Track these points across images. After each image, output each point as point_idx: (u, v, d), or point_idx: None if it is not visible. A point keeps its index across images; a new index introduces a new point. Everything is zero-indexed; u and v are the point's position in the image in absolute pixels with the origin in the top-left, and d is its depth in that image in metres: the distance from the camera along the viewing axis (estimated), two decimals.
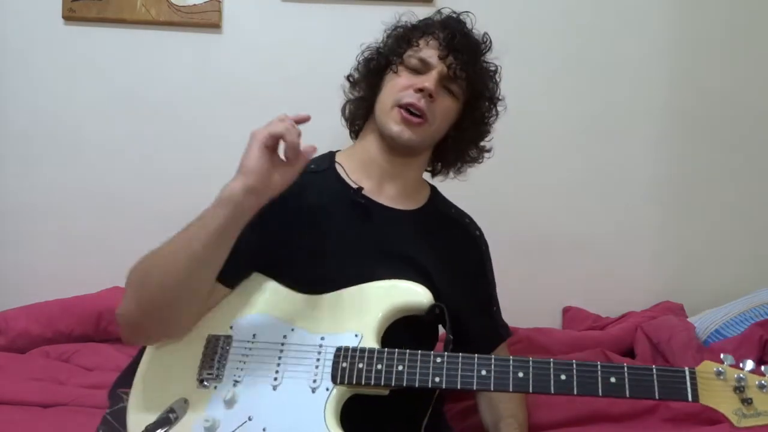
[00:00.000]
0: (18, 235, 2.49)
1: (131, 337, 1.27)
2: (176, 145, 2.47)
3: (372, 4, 2.37)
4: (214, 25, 2.44)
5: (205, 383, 1.18)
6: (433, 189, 1.57)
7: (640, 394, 1.10)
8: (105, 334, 2.08)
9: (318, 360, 1.18)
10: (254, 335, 1.23)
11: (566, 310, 2.44)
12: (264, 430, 1.14)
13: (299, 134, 1.17)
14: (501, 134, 1.60)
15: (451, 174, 1.61)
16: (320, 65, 2.37)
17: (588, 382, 1.10)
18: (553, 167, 2.45)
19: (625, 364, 1.11)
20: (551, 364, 1.12)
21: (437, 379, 1.13)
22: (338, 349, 1.18)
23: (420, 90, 1.37)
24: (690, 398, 1.08)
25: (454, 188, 1.60)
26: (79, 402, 1.65)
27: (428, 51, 1.43)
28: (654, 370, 1.10)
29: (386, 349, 1.17)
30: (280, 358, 1.20)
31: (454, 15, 1.51)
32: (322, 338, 1.20)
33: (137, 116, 2.47)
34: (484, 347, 1.49)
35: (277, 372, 1.18)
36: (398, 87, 1.41)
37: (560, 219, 2.45)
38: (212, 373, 1.19)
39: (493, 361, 1.13)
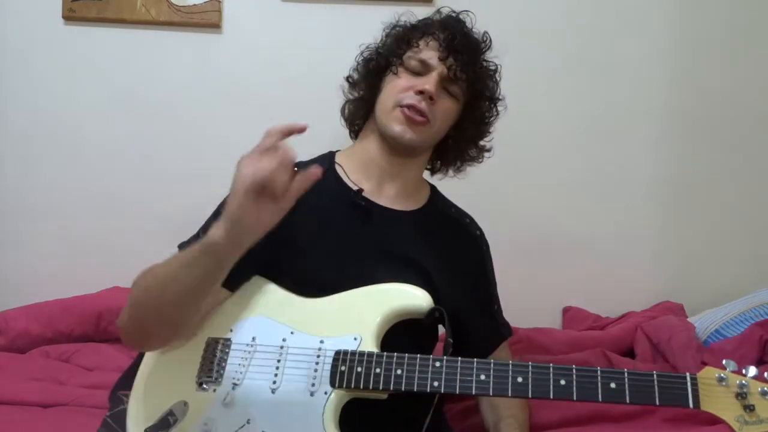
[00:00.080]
0: (18, 235, 2.49)
1: (130, 346, 1.30)
2: (176, 145, 2.47)
3: (372, 4, 2.37)
4: (214, 25, 2.44)
5: (204, 386, 1.18)
6: (433, 189, 1.56)
7: (640, 400, 1.08)
8: (105, 334, 2.08)
9: (317, 363, 1.18)
10: (253, 338, 1.22)
11: (566, 310, 2.44)
12: None
13: (291, 168, 1.07)
14: (501, 134, 1.60)
15: (451, 172, 1.60)
16: (320, 65, 2.37)
17: (588, 388, 1.09)
18: (553, 167, 2.45)
19: (625, 370, 1.10)
20: (551, 369, 1.11)
21: (436, 384, 1.13)
22: (337, 353, 1.18)
23: (420, 92, 1.37)
24: (691, 405, 1.06)
25: (454, 188, 1.60)
26: (79, 402, 1.65)
27: (428, 52, 1.42)
28: (655, 375, 1.09)
29: (385, 352, 1.17)
30: (279, 361, 1.19)
31: (454, 14, 1.50)
32: (321, 341, 1.20)
33: (137, 116, 2.47)
34: (485, 347, 1.49)
35: (276, 375, 1.18)
36: (398, 88, 1.40)
37: (560, 219, 2.45)
38: (211, 375, 1.19)
39: (492, 365, 1.13)
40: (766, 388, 1.06)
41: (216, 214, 1.36)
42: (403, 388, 1.13)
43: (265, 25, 2.46)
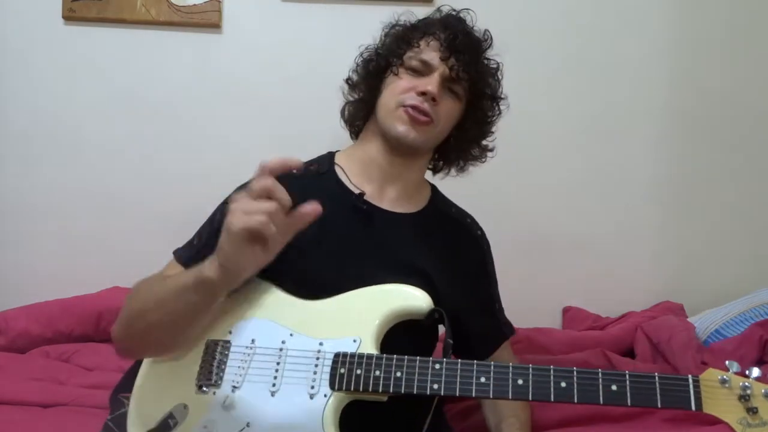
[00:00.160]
0: (18, 235, 2.49)
1: (125, 357, 1.32)
2: (176, 145, 2.48)
3: (372, 4, 2.37)
4: (214, 25, 2.44)
5: (204, 388, 1.18)
6: (434, 189, 1.55)
7: (641, 402, 1.06)
8: (105, 334, 2.08)
9: (316, 366, 1.17)
10: (253, 340, 1.22)
11: (566, 310, 2.44)
12: None
13: (285, 212, 1.04)
14: (501, 134, 1.59)
15: (453, 172, 1.59)
16: (320, 65, 2.38)
17: (589, 390, 1.07)
18: (553, 167, 2.45)
19: (627, 372, 1.08)
20: (551, 372, 1.09)
21: (435, 386, 1.12)
22: (336, 355, 1.17)
23: (423, 93, 1.36)
24: (693, 407, 1.04)
25: (454, 187, 1.59)
26: (79, 402, 1.65)
27: (429, 53, 1.40)
28: (656, 377, 1.07)
29: (384, 355, 1.16)
30: (278, 363, 1.19)
31: (454, 13, 1.48)
32: (321, 343, 1.19)
33: (137, 116, 2.48)
34: (487, 346, 1.49)
35: (275, 378, 1.17)
36: (400, 89, 1.39)
37: (560, 219, 2.46)
38: (211, 378, 1.18)
39: (492, 367, 1.11)
40: None
41: (211, 220, 1.36)
42: (402, 391, 1.12)
43: (265, 25, 2.46)
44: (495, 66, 1.51)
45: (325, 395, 1.14)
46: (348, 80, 1.54)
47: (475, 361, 1.13)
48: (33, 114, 2.49)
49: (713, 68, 2.42)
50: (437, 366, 1.13)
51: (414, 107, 1.35)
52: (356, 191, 1.40)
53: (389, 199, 1.43)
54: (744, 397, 1.04)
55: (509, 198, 2.43)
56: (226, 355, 1.21)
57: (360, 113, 1.52)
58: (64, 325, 2.07)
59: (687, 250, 2.46)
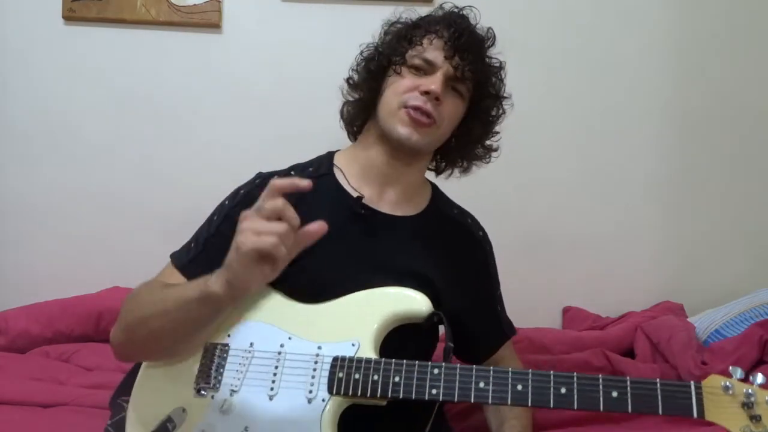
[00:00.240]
0: (18, 235, 2.50)
1: (124, 361, 1.31)
2: (176, 145, 2.48)
3: (372, 4, 2.36)
4: (214, 25, 2.44)
5: (202, 392, 1.17)
6: (435, 189, 1.53)
7: (642, 409, 1.04)
8: (105, 334, 2.06)
9: (315, 370, 1.17)
10: (251, 343, 1.21)
11: (566, 310, 2.44)
12: None
13: (294, 232, 1.04)
14: (501, 134, 1.58)
15: (457, 172, 1.56)
16: (320, 65, 2.37)
17: (589, 397, 1.06)
18: (552, 167, 2.45)
19: (628, 378, 1.06)
20: (551, 377, 1.08)
21: (434, 391, 1.11)
22: (335, 359, 1.16)
23: (426, 93, 1.33)
24: (695, 414, 1.02)
25: (454, 187, 1.58)
26: (79, 402, 1.65)
27: (433, 51, 1.37)
28: (658, 384, 1.04)
29: (383, 359, 1.15)
30: (276, 367, 1.18)
31: (456, 10, 1.45)
32: (319, 347, 1.19)
33: (137, 116, 2.48)
34: (488, 346, 1.50)
35: (273, 381, 1.17)
36: (402, 88, 1.36)
37: (560, 219, 2.46)
38: (209, 381, 1.18)
39: (491, 373, 1.10)
40: None
41: (208, 224, 1.36)
42: (401, 396, 1.12)
43: (265, 25, 2.46)
44: (498, 65, 1.48)
45: (323, 399, 1.14)
46: (348, 79, 1.51)
47: (474, 366, 1.12)
48: (33, 114, 2.49)
49: (713, 68, 2.42)
50: (436, 371, 1.12)
51: (416, 108, 1.33)
52: (355, 194, 1.38)
53: (389, 202, 1.41)
54: (747, 405, 1.01)
55: (509, 198, 2.43)
56: (225, 359, 1.21)
57: (360, 113, 1.49)
58: (64, 325, 2.08)
59: (687, 250, 2.46)
